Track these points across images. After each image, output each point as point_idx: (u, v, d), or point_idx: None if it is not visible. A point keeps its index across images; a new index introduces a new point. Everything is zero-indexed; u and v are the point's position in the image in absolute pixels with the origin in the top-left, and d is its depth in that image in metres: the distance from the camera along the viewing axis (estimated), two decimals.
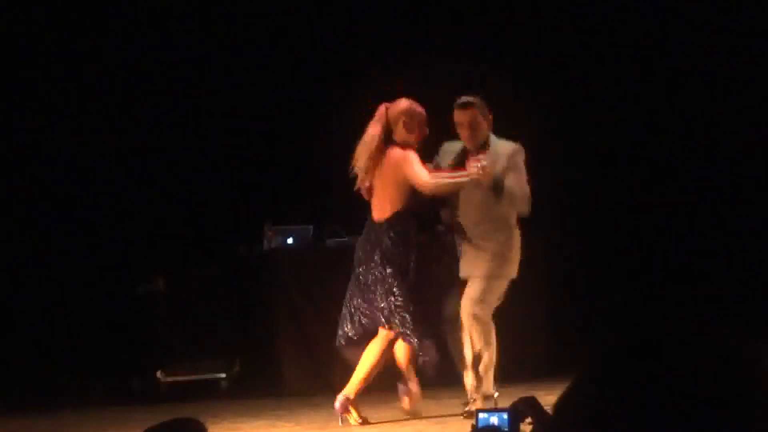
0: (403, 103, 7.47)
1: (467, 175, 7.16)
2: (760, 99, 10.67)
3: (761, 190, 10.77)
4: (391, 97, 7.70)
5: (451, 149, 7.60)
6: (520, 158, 7.46)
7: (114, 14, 10.57)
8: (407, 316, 7.28)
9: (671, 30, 10.87)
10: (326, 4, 10.81)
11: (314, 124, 10.32)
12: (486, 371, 7.36)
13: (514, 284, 7.52)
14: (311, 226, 9.49)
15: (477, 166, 7.08)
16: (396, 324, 7.30)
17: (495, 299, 7.41)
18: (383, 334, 7.39)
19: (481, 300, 7.32)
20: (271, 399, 8.94)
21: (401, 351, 7.47)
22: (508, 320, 7.61)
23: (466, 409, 7.30)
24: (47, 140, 10.34)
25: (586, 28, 10.84)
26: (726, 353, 1.47)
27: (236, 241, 9.78)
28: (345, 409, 7.38)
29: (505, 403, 4.62)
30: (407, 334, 7.32)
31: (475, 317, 7.28)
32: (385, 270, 7.31)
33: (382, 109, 7.47)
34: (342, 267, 8.02)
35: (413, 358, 7.45)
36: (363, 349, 7.43)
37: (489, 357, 7.35)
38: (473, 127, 7.44)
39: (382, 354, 7.40)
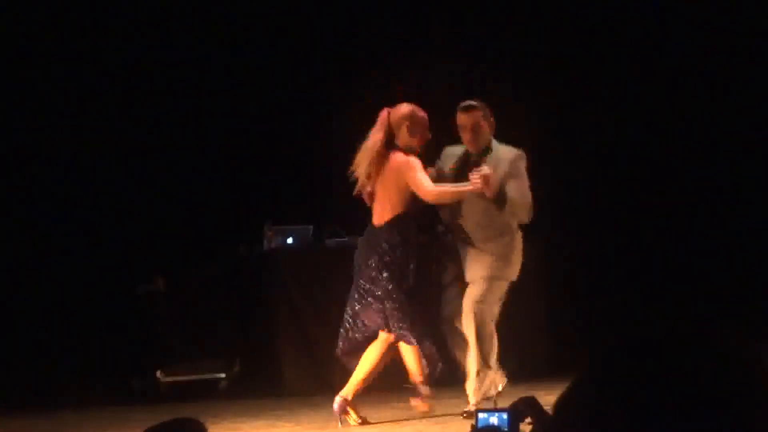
0: (406, 108, 7.45)
1: (471, 186, 7.17)
2: (760, 99, 10.68)
3: (761, 190, 10.77)
4: (391, 97, 7.69)
5: (452, 153, 7.60)
6: (522, 164, 7.45)
7: (114, 14, 10.57)
8: (405, 317, 7.27)
9: (671, 30, 10.87)
10: (326, 4, 10.81)
11: (314, 124, 10.32)
12: (485, 373, 7.35)
13: (513, 286, 7.52)
14: (311, 226, 9.49)
15: (480, 176, 7.09)
16: (394, 327, 7.30)
17: (495, 300, 7.40)
18: (383, 337, 7.39)
19: (482, 300, 7.32)
20: (271, 399, 8.94)
21: (409, 355, 7.46)
22: (508, 320, 7.61)
23: (466, 409, 7.30)
24: (47, 140, 10.33)
25: (586, 28, 10.85)
26: (726, 353, 1.47)
27: (236, 241, 9.78)
28: (343, 410, 7.38)
29: (505, 403, 4.61)
30: (405, 336, 7.32)
31: (476, 318, 7.28)
32: (381, 274, 7.31)
33: (383, 113, 7.44)
34: (342, 267, 8.02)
35: (419, 358, 7.43)
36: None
37: (489, 359, 7.34)
38: (476, 130, 7.44)
39: (382, 357, 7.40)
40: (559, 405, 1.52)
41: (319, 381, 8.88)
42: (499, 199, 7.29)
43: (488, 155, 7.45)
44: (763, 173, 10.77)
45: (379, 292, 7.31)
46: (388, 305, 7.28)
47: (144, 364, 9.55)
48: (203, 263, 9.79)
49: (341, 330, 7.52)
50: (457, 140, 7.58)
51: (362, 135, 7.50)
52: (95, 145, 10.37)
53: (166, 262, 9.83)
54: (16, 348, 9.66)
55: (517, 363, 8.32)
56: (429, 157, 7.57)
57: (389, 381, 7.73)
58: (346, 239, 9.20)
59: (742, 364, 1.46)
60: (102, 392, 9.23)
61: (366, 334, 7.44)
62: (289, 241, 9.39)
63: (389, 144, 7.38)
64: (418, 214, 7.47)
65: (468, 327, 7.31)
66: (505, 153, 7.46)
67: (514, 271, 7.49)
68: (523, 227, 7.56)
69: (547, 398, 5.39)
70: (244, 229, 9.74)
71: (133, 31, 10.52)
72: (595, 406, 1.45)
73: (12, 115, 10.40)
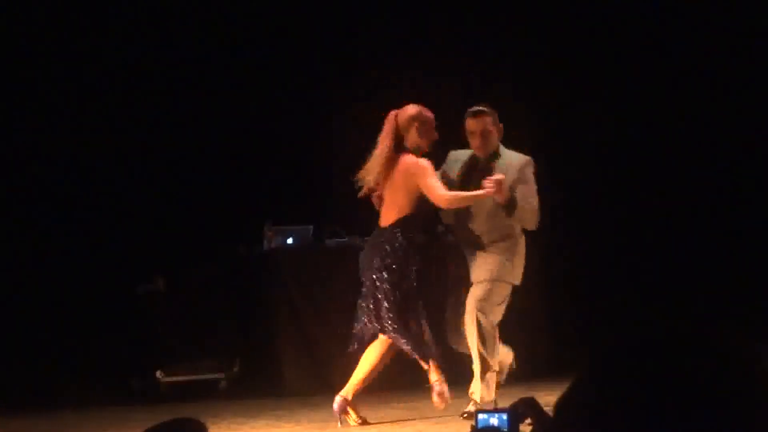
0: (413, 109, 7.42)
1: (483, 192, 7.15)
2: (760, 99, 10.68)
3: (761, 190, 10.77)
4: (391, 97, 7.68)
5: (458, 158, 7.58)
6: (530, 171, 7.44)
7: (114, 14, 10.57)
8: (398, 318, 7.26)
9: (671, 30, 10.87)
10: (326, 4, 10.81)
11: (314, 124, 10.31)
12: (488, 376, 7.34)
13: (514, 288, 7.52)
14: (311, 226, 9.49)
15: (493, 182, 7.07)
16: (387, 327, 7.29)
17: (498, 301, 7.39)
18: (383, 338, 7.39)
19: (484, 301, 7.31)
20: (271, 399, 8.94)
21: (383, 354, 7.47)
22: (508, 320, 7.60)
23: (466, 410, 7.30)
24: (47, 140, 10.33)
25: (586, 28, 10.85)
26: (726, 353, 1.47)
27: (236, 241, 9.78)
28: (343, 410, 7.38)
29: (505, 403, 4.62)
30: (396, 337, 7.30)
31: (478, 319, 7.28)
32: (381, 274, 7.30)
33: (391, 116, 7.41)
34: (342, 267, 8.02)
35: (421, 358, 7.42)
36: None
37: (490, 362, 7.33)
38: (484, 135, 7.43)
39: (382, 357, 7.39)
40: (559, 405, 1.52)
41: (319, 381, 8.88)
42: (509, 205, 7.28)
43: (497, 160, 7.43)
44: (763, 173, 10.77)
45: (379, 293, 7.31)
46: (384, 305, 7.28)
47: (144, 364, 9.55)
48: (203, 263, 9.79)
49: (354, 325, 7.51)
50: (457, 141, 7.57)
51: (363, 136, 7.49)
52: (95, 145, 10.36)
53: (166, 262, 9.83)
54: (16, 348, 9.66)
55: (517, 363, 8.32)
56: (430, 158, 7.55)
57: (389, 381, 7.73)
58: (346, 239, 9.21)
59: (742, 364, 1.46)
60: (102, 392, 9.22)
61: (370, 332, 7.44)
62: (289, 241, 9.39)
63: (398, 146, 7.36)
64: (424, 217, 7.46)
65: (469, 327, 7.30)
66: (513, 159, 7.45)
67: (517, 275, 7.49)
68: (526, 231, 7.55)
69: (547, 398, 5.40)
70: (244, 229, 9.74)
71: (133, 31, 10.52)
72: (595, 407, 1.45)
73: (12, 115, 10.40)
